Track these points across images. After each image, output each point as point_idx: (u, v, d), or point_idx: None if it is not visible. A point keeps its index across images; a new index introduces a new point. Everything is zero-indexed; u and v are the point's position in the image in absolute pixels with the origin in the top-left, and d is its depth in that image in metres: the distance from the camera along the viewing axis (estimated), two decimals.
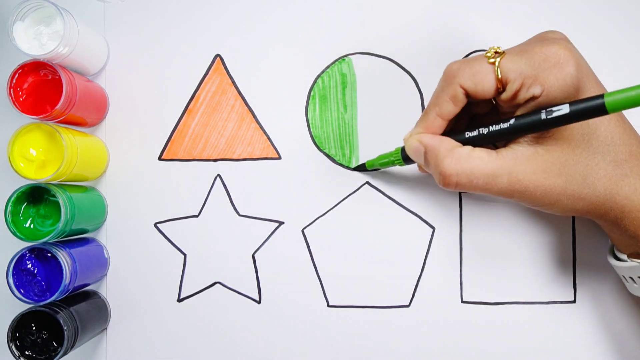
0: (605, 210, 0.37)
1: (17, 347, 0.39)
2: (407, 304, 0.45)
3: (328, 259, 0.45)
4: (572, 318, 0.44)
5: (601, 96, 0.31)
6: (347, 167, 0.45)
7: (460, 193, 0.45)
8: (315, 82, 0.46)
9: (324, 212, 0.45)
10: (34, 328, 0.39)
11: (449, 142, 0.37)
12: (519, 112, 0.36)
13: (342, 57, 0.46)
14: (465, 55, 0.45)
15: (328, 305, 0.45)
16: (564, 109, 0.33)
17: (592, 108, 0.32)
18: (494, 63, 0.35)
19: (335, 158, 0.45)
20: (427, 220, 0.45)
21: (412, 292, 0.45)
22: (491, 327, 0.44)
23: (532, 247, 0.44)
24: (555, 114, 0.34)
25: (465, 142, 0.37)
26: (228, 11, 0.46)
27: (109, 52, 0.46)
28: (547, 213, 0.44)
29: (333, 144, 0.45)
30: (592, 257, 0.44)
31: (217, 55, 0.46)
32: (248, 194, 0.45)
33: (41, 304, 0.39)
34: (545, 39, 0.36)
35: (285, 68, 0.46)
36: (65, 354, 0.39)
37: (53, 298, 0.39)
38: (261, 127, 0.46)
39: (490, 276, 0.44)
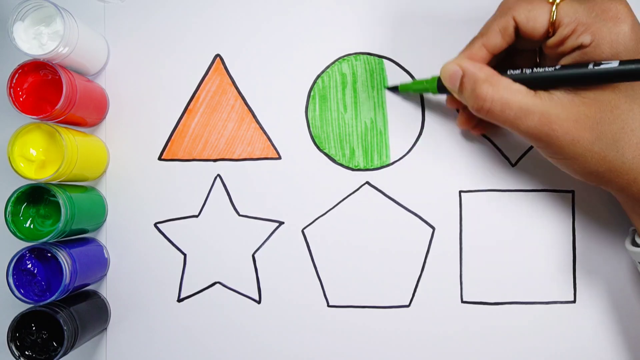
0: (627, 181, 0.36)
1: (17, 347, 0.39)
2: (407, 304, 0.45)
3: (328, 259, 0.45)
4: (572, 318, 0.44)
5: None
6: (348, 168, 0.45)
7: (460, 193, 0.45)
8: (315, 82, 0.46)
9: (324, 212, 0.45)
10: (34, 328, 0.39)
11: (488, 69, 0.37)
12: (562, 62, 0.36)
13: (342, 57, 0.46)
14: None
15: (328, 305, 0.45)
16: (613, 64, 0.33)
17: None
18: (552, 3, 0.36)
19: (335, 158, 0.45)
20: (427, 220, 0.45)
21: (412, 292, 0.45)
22: (491, 327, 0.44)
23: (532, 247, 0.44)
24: (603, 66, 0.33)
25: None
26: (228, 11, 0.46)
27: (109, 52, 0.46)
28: (546, 213, 0.44)
29: (333, 144, 0.45)
30: (592, 257, 0.44)
31: (217, 55, 0.46)
32: (248, 194, 0.45)
33: (41, 304, 0.39)
34: None
35: (285, 68, 0.46)
36: (65, 354, 0.39)
37: (53, 298, 0.39)
38: (261, 127, 0.46)
39: (490, 276, 0.44)
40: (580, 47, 0.35)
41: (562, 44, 0.36)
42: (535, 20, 0.36)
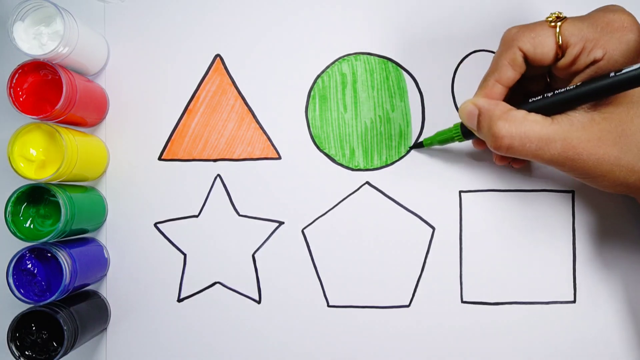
0: None
1: (17, 347, 0.39)
2: (407, 304, 0.45)
3: (328, 259, 0.45)
4: (572, 318, 0.44)
5: None
6: (348, 168, 0.45)
7: (460, 193, 0.45)
8: (315, 82, 0.46)
9: (324, 212, 0.45)
10: (34, 328, 0.39)
11: (504, 105, 0.37)
12: (577, 80, 0.36)
13: (342, 57, 0.46)
14: (465, 55, 0.45)
15: (328, 305, 0.45)
16: (635, 67, 0.33)
17: None
18: (555, 27, 0.35)
19: (335, 158, 0.45)
20: (427, 220, 0.45)
21: (412, 292, 0.45)
22: (491, 327, 0.44)
23: (532, 247, 0.44)
24: (625, 72, 0.33)
25: (524, 109, 0.37)
26: (228, 11, 0.46)
27: (109, 52, 0.46)
28: (546, 213, 0.44)
29: (333, 144, 0.45)
30: (592, 257, 0.44)
31: (217, 55, 0.46)
32: (248, 194, 0.45)
33: (41, 304, 0.39)
34: (607, 8, 0.36)
35: (285, 68, 0.46)
36: (65, 354, 0.39)
37: (53, 298, 0.39)
38: (261, 127, 0.46)
39: (490, 276, 0.44)
40: (593, 62, 0.35)
41: (573, 63, 0.36)
42: (543, 46, 0.36)
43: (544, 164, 0.37)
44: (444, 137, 0.42)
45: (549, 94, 0.36)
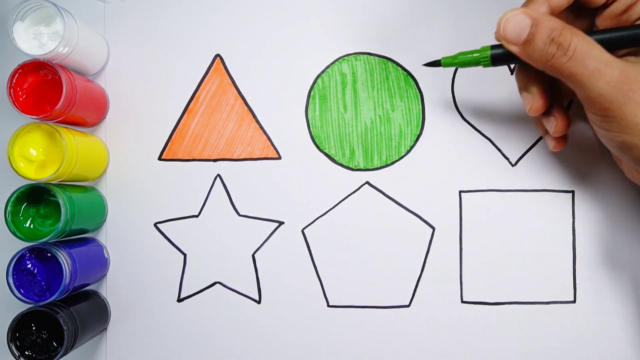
0: None
1: (17, 347, 0.39)
2: (407, 304, 0.45)
3: (328, 259, 0.45)
4: (572, 318, 0.44)
5: None
6: (348, 168, 0.45)
7: (460, 193, 0.45)
8: (315, 82, 0.46)
9: (324, 212, 0.45)
10: (34, 328, 0.39)
11: (561, 21, 0.34)
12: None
13: (342, 57, 0.46)
14: None
15: (328, 305, 0.45)
16: None
17: None
18: None
19: (335, 158, 0.45)
20: (427, 220, 0.45)
21: (412, 292, 0.45)
22: (491, 327, 0.44)
23: (532, 247, 0.44)
24: None
25: None
26: (228, 11, 0.46)
27: (109, 52, 0.46)
28: (546, 213, 0.44)
29: (333, 144, 0.45)
30: (592, 257, 0.44)
31: (217, 55, 0.46)
32: (248, 194, 0.45)
33: (41, 304, 0.39)
34: None
35: (285, 68, 0.46)
36: (65, 354, 0.39)
37: (53, 298, 0.39)
38: (261, 127, 0.46)
39: (490, 276, 0.44)
40: None
41: (624, 12, 0.34)
42: None
43: (591, 95, 0.33)
44: (467, 60, 0.37)
45: (614, 28, 0.34)
